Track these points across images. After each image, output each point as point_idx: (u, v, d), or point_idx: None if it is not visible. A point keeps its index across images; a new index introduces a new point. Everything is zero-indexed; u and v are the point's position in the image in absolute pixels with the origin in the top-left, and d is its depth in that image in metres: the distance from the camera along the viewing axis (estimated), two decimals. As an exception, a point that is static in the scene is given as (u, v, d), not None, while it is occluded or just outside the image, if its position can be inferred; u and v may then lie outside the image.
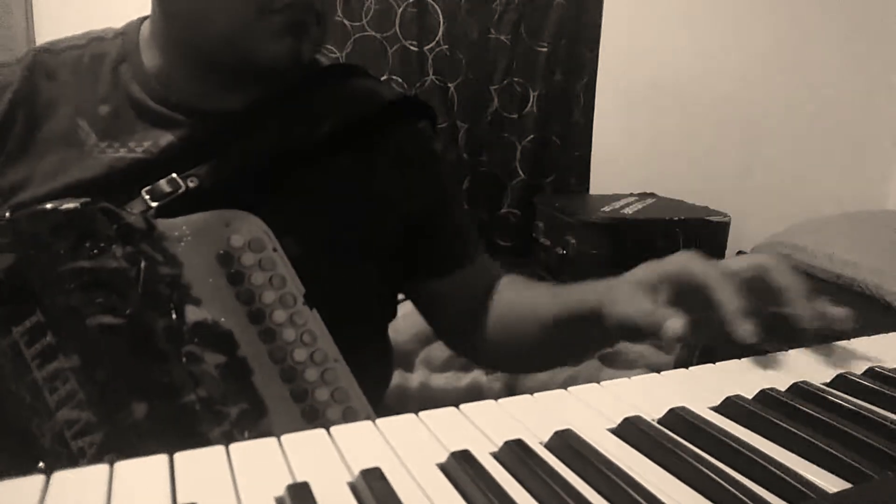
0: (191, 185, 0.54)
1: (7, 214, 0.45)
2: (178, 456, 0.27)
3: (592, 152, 2.02)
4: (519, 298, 0.66)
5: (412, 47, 1.84)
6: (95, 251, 0.45)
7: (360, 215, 0.61)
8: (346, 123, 0.61)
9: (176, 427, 0.44)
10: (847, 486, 0.27)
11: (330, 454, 0.28)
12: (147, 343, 0.45)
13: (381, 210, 0.63)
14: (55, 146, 0.58)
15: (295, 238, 0.53)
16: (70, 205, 0.45)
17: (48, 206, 0.45)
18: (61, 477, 0.26)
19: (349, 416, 0.48)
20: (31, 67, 0.60)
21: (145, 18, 0.64)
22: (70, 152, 0.57)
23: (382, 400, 0.71)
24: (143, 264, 0.45)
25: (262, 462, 0.27)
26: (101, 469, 0.26)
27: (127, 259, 0.45)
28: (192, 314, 0.46)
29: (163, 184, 0.53)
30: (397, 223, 0.65)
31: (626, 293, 0.48)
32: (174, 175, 0.54)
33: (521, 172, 1.98)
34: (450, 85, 1.89)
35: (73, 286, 0.44)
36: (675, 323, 0.42)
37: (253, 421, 0.45)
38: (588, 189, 2.04)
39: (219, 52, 0.57)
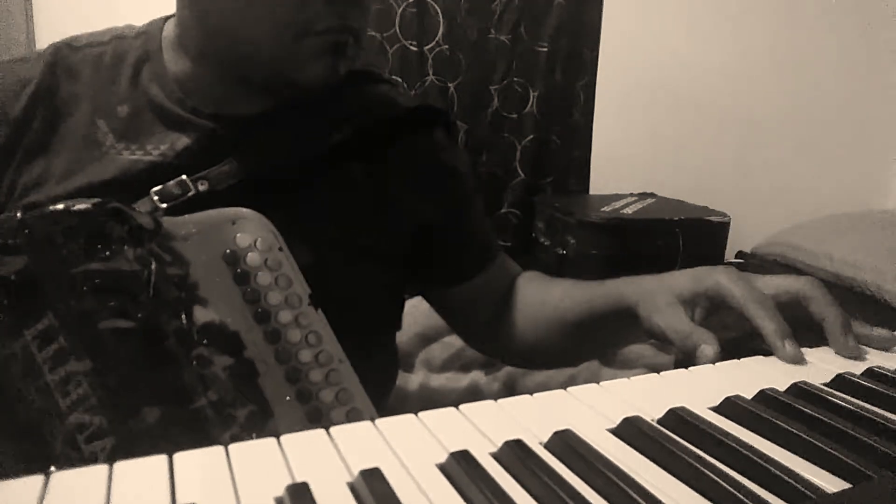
0: (201, 188, 0.54)
1: (19, 215, 0.44)
2: (177, 456, 0.27)
3: (592, 152, 2.02)
4: (544, 295, 0.66)
5: (412, 47, 1.84)
6: (108, 253, 0.45)
7: (370, 222, 0.61)
8: (362, 129, 0.61)
9: (187, 432, 0.43)
10: (847, 486, 0.27)
11: (329, 454, 0.28)
12: (158, 346, 0.44)
13: (392, 218, 0.62)
14: (72, 145, 0.57)
15: (305, 243, 0.52)
16: (82, 205, 0.45)
17: (60, 206, 0.45)
18: (61, 477, 0.26)
19: (353, 418, 0.48)
20: (52, 63, 0.60)
21: (168, 18, 0.63)
22: (87, 152, 0.57)
23: (386, 403, 0.71)
24: (153, 266, 0.45)
25: (261, 462, 0.27)
26: (100, 469, 0.26)
27: (138, 261, 0.45)
28: (201, 315, 0.46)
29: (172, 185, 0.53)
30: (410, 231, 0.64)
31: (664, 304, 0.48)
32: (184, 177, 0.54)
33: (521, 172, 1.98)
34: (450, 85, 1.89)
35: (86, 289, 0.44)
36: (708, 350, 0.43)
37: (260, 423, 0.45)
38: (588, 189, 2.03)
39: (255, 70, 0.57)
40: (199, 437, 0.43)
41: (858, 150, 2.29)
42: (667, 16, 2.03)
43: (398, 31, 1.82)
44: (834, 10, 2.13)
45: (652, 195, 1.93)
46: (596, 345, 0.67)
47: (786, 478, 0.27)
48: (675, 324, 0.46)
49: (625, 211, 1.68)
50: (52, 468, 0.42)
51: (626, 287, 0.54)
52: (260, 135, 0.59)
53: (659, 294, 0.49)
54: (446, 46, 1.86)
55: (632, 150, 2.08)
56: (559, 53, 1.92)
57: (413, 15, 1.81)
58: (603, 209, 1.69)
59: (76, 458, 0.42)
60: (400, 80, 1.84)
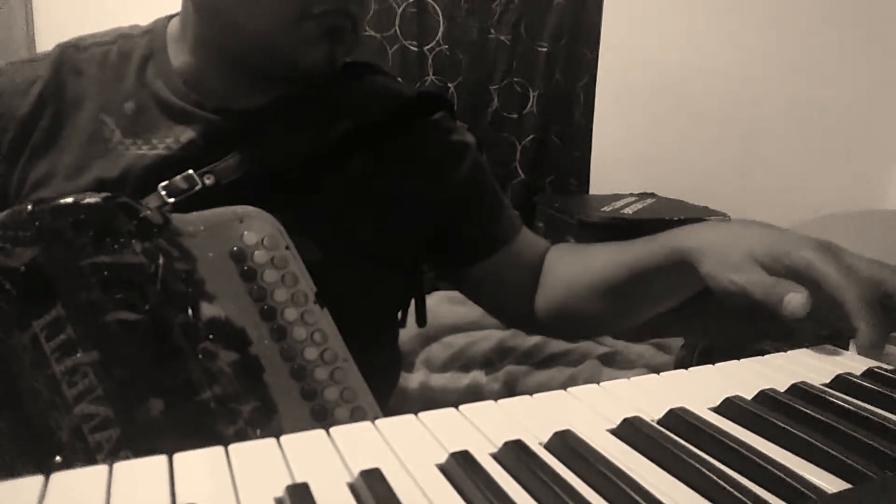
0: (207, 182, 0.54)
1: (29, 207, 0.45)
2: (177, 456, 0.27)
3: (592, 152, 2.02)
4: (585, 264, 0.66)
5: (412, 47, 1.84)
6: (116, 246, 0.45)
7: (376, 219, 0.61)
8: (365, 121, 0.61)
9: (192, 424, 0.44)
10: (847, 486, 0.27)
11: (329, 455, 0.28)
12: (164, 339, 0.45)
13: (400, 214, 0.62)
14: (80, 141, 0.58)
15: (311, 241, 0.53)
16: (91, 199, 0.46)
17: (69, 199, 0.46)
18: (61, 477, 0.26)
19: (357, 416, 0.48)
20: (59, 62, 0.61)
21: (172, 16, 0.64)
22: (94, 148, 0.58)
23: (388, 402, 0.71)
24: (161, 260, 0.46)
25: (261, 462, 0.27)
26: (100, 469, 0.26)
27: (146, 255, 0.46)
28: (207, 310, 0.46)
29: (179, 180, 0.54)
30: (421, 221, 0.64)
31: (738, 262, 0.46)
32: (191, 171, 0.54)
33: (521, 172, 1.98)
34: (450, 85, 1.89)
35: (94, 281, 0.45)
36: (796, 298, 0.41)
37: (264, 419, 0.45)
38: (588, 189, 2.03)
39: (254, 56, 0.57)
40: (204, 430, 0.44)
41: (858, 150, 2.29)
42: (667, 16, 2.03)
43: (398, 31, 1.82)
44: (834, 10, 2.13)
45: (652, 195, 1.93)
46: (648, 306, 0.65)
47: (786, 478, 0.27)
48: (755, 278, 0.44)
49: (625, 211, 1.68)
50: (58, 458, 0.42)
51: (681, 240, 0.53)
52: (264, 128, 0.59)
53: (731, 249, 0.47)
54: (446, 46, 1.86)
55: (632, 150, 2.08)
56: (559, 53, 1.92)
57: (413, 15, 1.81)
58: (603, 209, 1.69)
59: (82, 448, 0.43)
60: (400, 80, 1.84)
